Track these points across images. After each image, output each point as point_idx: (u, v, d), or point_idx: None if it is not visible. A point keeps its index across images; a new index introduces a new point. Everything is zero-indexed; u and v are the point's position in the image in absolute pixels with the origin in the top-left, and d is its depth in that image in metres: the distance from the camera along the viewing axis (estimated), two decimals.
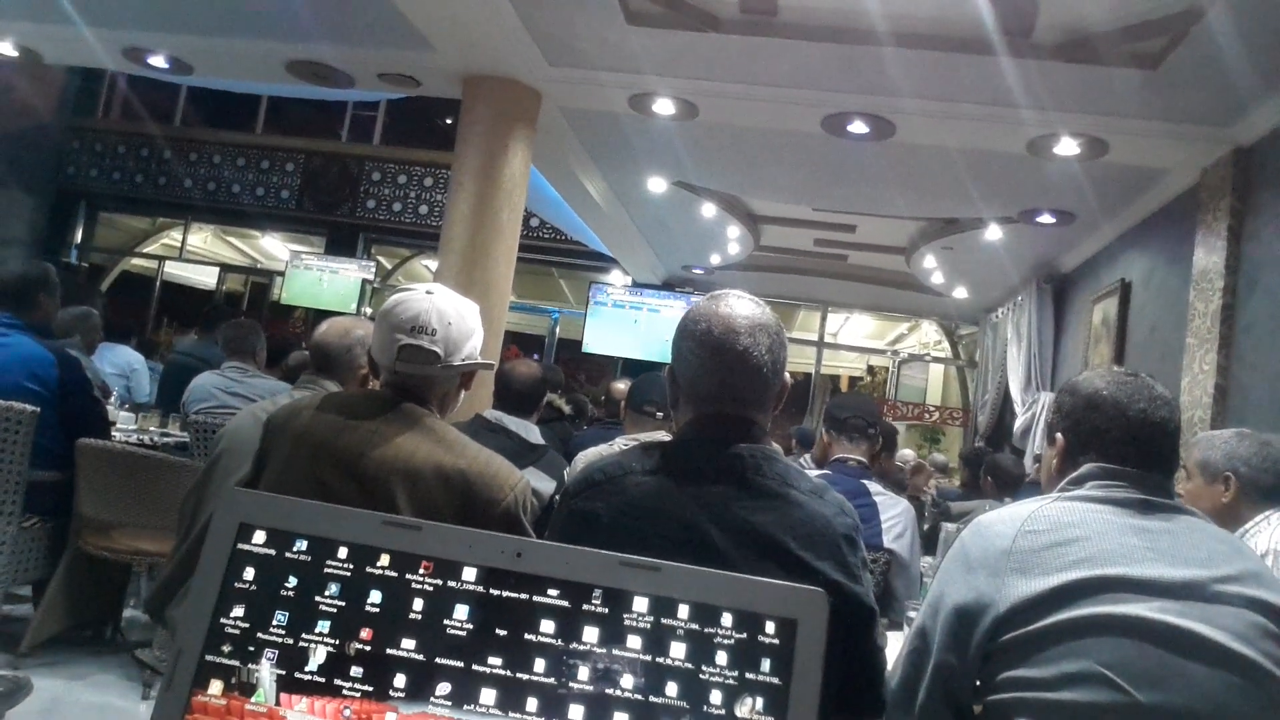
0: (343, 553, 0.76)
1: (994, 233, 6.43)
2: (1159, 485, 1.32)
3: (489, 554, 0.75)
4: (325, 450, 1.51)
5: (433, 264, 8.94)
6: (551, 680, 0.71)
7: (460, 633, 0.73)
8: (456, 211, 4.72)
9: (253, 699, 0.72)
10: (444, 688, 0.71)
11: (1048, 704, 1.14)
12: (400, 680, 0.72)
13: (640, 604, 0.72)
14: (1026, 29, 3.60)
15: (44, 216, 11.79)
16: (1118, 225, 5.78)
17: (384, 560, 0.75)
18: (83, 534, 3.06)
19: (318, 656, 0.73)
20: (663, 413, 2.62)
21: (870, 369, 12.97)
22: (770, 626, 0.71)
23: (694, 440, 1.28)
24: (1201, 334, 4.24)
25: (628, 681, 0.70)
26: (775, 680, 0.69)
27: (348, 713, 0.71)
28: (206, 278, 13.03)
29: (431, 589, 0.74)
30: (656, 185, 6.60)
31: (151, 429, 4.48)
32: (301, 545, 0.76)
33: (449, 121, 10.57)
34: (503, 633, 0.72)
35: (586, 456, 2.39)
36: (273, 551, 0.76)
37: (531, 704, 0.70)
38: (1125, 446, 1.33)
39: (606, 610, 0.72)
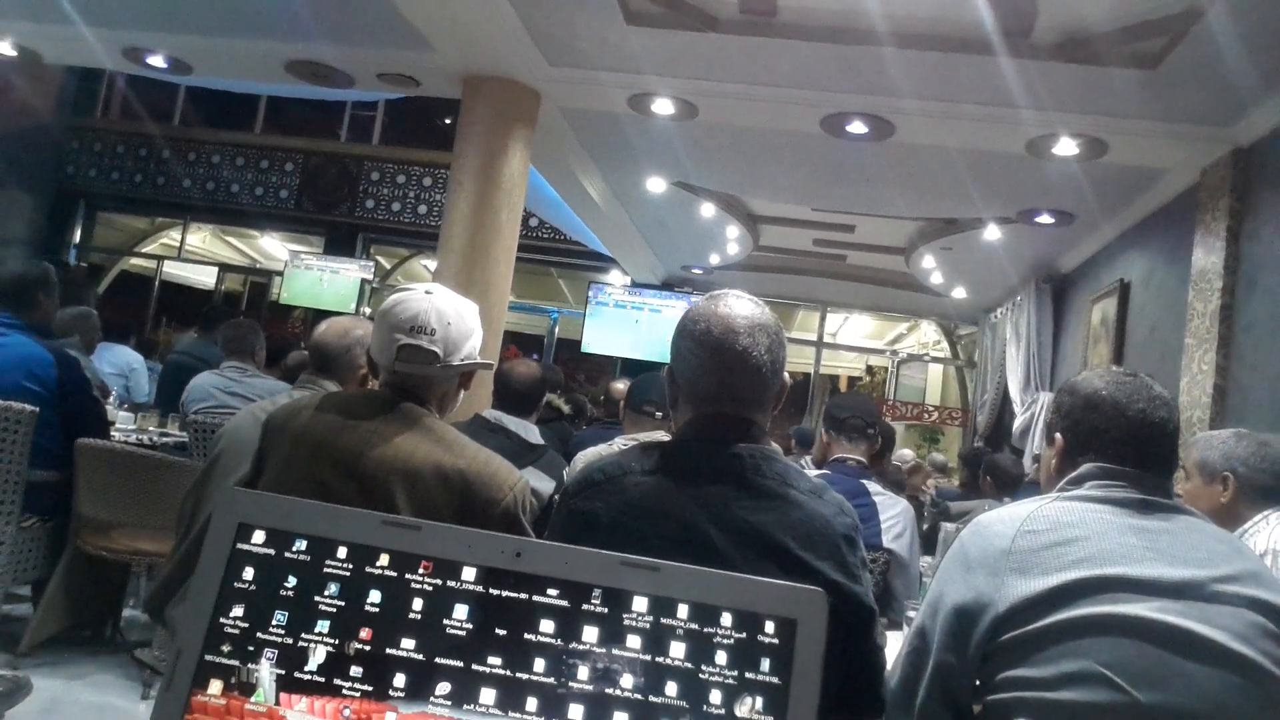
0: (342, 552, 0.76)
1: (993, 233, 6.43)
2: (1158, 485, 1.32)
3: (488, 554, 0.75)
4: (324, 450, 1.51)
5: (432, 264, 8.95)
6: (551, 680, 0.71)
7: (460, 632, 0.73)
8: (456, 211, 4.71)
9: (252, 699, 0.72)
10: (444, 687, 0.71)
11: (1047, 704, 1.14)
12: (400, 680, 0.72)
13: (640, 604, 0.72)
14: (1026, 29, 3.60)
15: (43, 216, 11.78)
16: (1117, 225, 5.78)
17: (383, 560, 0.75)
18: (82, 534, 3.05)
19: (317, 656, 0.73)
20: (662, 413, 2.62)
21: (869, 369, 12.98)
22: (770, 626, 0.71)
23: (693, 440, 1.28)
24: (1200, 334, 4.24)
25: (627, 681, 0.70)
26: (775, 680, 0.69)
27: (347, 712, 0.71)
28: (205, 277, 13.03)
29: (431, 589, 0.74)
30: (656, 185, 6.60)
31: (150, 429, 4.48)
32: (301, 545, 0.76)
33: (448, 121, 10.56)
34: (502, 632, 0.72)
35: (586, 456, 2.39)
36: (272, 551, 0.76)
37: (531, 704, 0.70)
38: (1124, 446, 1.33)
39: (606, 610, 0.72)
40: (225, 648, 0.73)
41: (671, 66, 4.37)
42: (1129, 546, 1.22)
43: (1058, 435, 1.43)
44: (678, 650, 0.71)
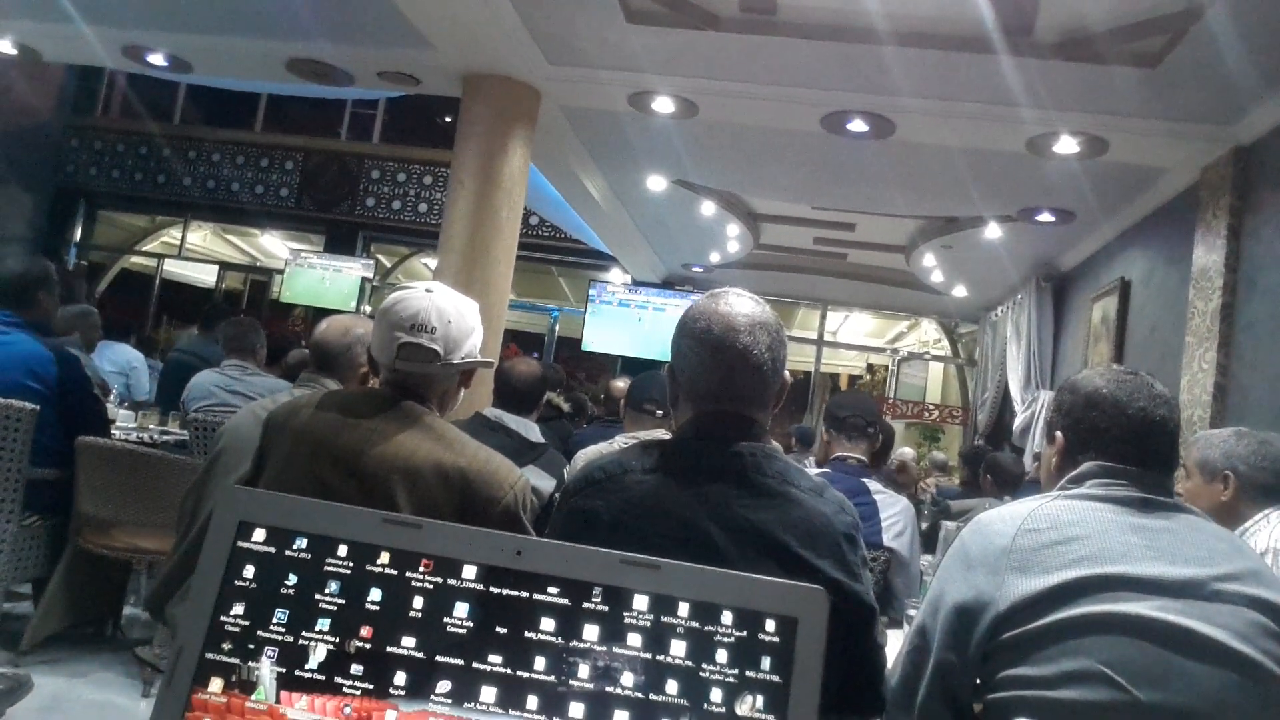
0: (343, 551, 0.76)
1: (993, 231, 6.43)
2: (1158, 483, 1.32)
3: (489, 552, 0.75)
4: (325, 448, 1.51)
5: (432, 262, 8.94)
6: (552, 678, 0.71)
7: (460, 631, 0.73)
8: (456, 210, 4.71)
9: (253, 697, 0.72)
10: (444, 685, 0.71)
11: (1048, 702, 1.14)
12: (400, 678, 0.72)
13: (640, 602, 0.72)
14: (1026, 27, 3.60)
15: (43, 214, 11.79)
16: (1117, 224, 5.78)
17: (384, 558, 0.75)
18: (83, 532, 3.05)
19: (318, 654, 0.73)
20: (662, 411, 2.62)
21: (870, 367, 12.98)
22: (770, 624, 0.71)
23: (694, 438, 1.28)
24: (1201, 333, 4.24)
25: (628, 679, 0.70)
26: (775, 678, 0.69)
27: (348, 710, 0.71)
28: (206, 276, 13.03)
29: (431, 587, 0.74)
30: (656, 184, 6.59)
31: (151, 427, 4.48)
32: (301, 543, 0.76)
33: (448, 120, 10.56)
34: (503, 631, 0.72)
35: (586, 455, 2.39)
36: (273, 549, 0.76)
37: (532, 702, 0.70)
38: (1125, 445, 1.33)
39: (607, 608, 0.72)
40: (226, 646, 0.73)
41: (672, 65, 4.36)
42: (1130, 545, 1.22)
43: (1058, 434, 1.43)
44: (678, 648, 0.71)
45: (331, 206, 11.67)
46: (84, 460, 3.01)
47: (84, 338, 4.70)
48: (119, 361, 5.62)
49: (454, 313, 1.59)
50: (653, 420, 2.65)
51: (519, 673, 0.71)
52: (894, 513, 2.57)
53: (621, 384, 4.55)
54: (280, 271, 11.33)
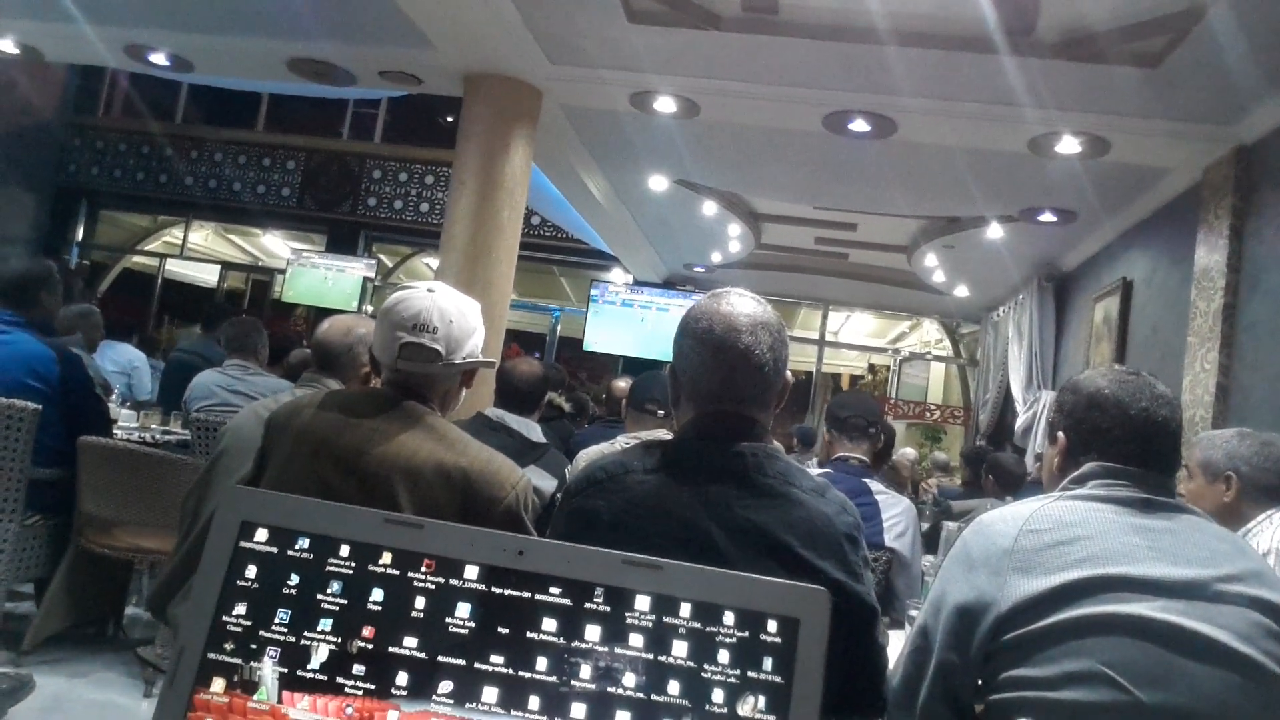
0: (344, 551, 0.76)
1: (995, 231, 6.42)
2: (1161, 484, 1.32)
3: (490, 552, 0.75)
4: (326, 448, 1.51)
5: (434, 262, 8.94)
6: (553, 678, 0.71)
7: (462, 631, 0.73)
8: (457, 209, 4.72)
9: (255, 697, 0.72)
10: (446, 686, 0.71)
11: (1049, 703, 1.14)
12: (402, 678, 0.71)
13: (642, 602, 0.72)
14: (1028, 27, 3.59)
15: (45, 214, 11.80)
16: (1119, 224, 5.77)
17: (386, 558, 0.75)
18: (84, 532, 3.06)
19: (320, 654, 0.73)
20: (664, 411, 2.63)
21: (871, 367, 12.98)
22: (772, 625, 0.70)
23: (695, 439, 1.28)
24: (1203, 333, 4.23)
25: (630, 680, 0.70)
26: (777, 679, 0.69)
27: (350, 711, 0.71)
28: (208, 275, 13.04)
29: (433, 587, 0.74)
30: (658, 183, 6.59)
31: (153, 427, 4.49)
32: (303, 543, 0.76)
33: (450, 119, 10.56)
34: (504, 631, 0.72)
35: (588, 455, 2.39)
36: (275, 549, 0.76)
37: (533, 702, 0.70)
38: (1127, 445, 1.33)
39: (608, 609, 0.72)
40: (228, 646, 0.73)
41: (673, 64, 4.36)
42: (1132, 546, 1.21)
43: (1060, 434, 1.43)
44: (680, 649, 0.71)
45: (333, 206, 11.68)
46: (86, 460, 3.01)
47: (86, 337, 4.70)
48: (121, 361, 5.63)
49: (456, 313, 1.59)
50: (654, 420, 2.65)
51: (521, 673, 0.71)
52: (896, 513, 2.57)
53: (623, 384, 4.54)
54: (282, 271, 11.33)
